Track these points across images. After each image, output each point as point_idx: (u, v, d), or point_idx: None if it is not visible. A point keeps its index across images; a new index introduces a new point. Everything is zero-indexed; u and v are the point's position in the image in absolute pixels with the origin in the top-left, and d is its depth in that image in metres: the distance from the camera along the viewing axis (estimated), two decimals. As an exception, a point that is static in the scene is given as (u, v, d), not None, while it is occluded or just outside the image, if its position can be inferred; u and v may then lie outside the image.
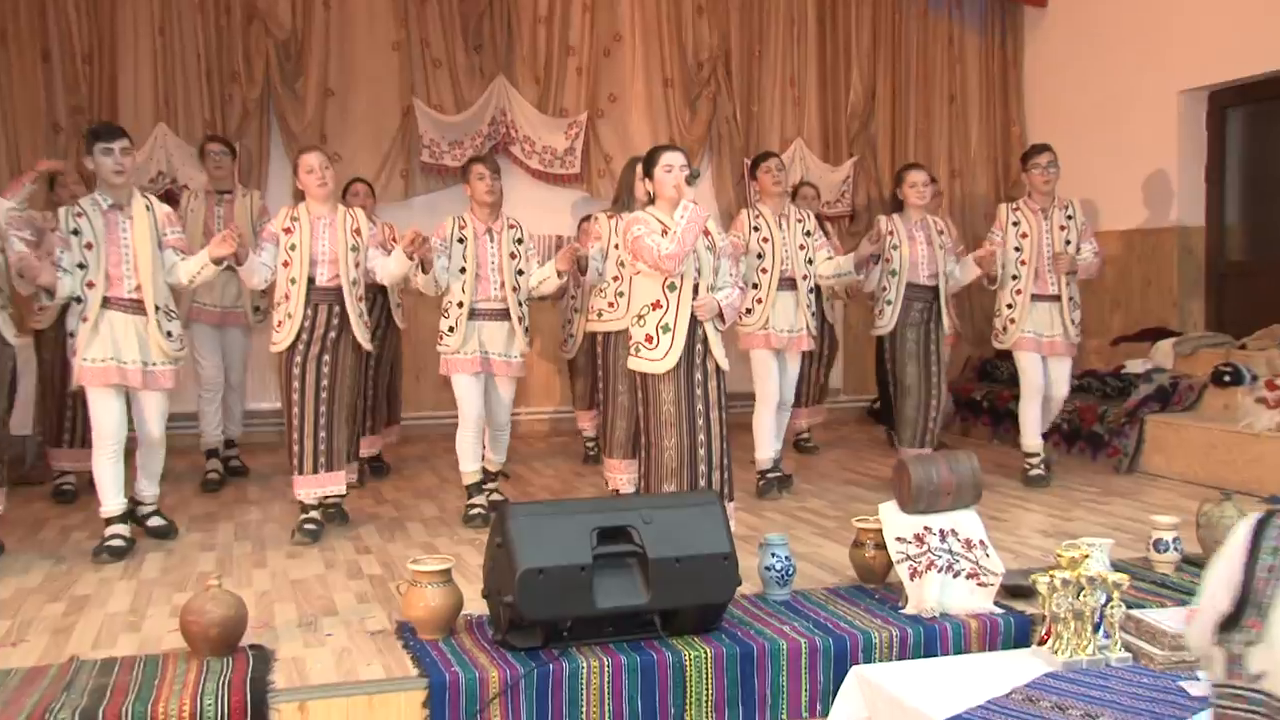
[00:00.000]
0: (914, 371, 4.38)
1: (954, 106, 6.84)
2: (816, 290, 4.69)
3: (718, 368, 3.32)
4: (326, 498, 3.85)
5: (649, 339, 3.27)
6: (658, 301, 3.26)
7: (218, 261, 3.59)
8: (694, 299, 3.27)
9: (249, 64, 5.82)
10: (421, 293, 3.91)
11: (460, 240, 3.88)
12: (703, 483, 3.25)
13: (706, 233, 3.31)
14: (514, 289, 3.90)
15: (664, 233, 3.22)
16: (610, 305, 4.18)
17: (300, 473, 3.70)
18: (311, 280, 3.71)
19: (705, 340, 3.32)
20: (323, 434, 3.69)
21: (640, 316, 3.30)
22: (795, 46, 6.64)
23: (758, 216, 4.34)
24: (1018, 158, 6.48)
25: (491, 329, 3.90)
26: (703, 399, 3.26)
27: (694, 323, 3.29)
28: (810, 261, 4.36)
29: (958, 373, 6.32)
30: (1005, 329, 4.47)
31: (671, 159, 3.31)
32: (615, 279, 4.13)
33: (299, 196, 3.86)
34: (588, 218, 4.97)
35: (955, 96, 6.83)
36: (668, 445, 3.22)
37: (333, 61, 5.98)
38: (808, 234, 4.38)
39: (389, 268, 3.77)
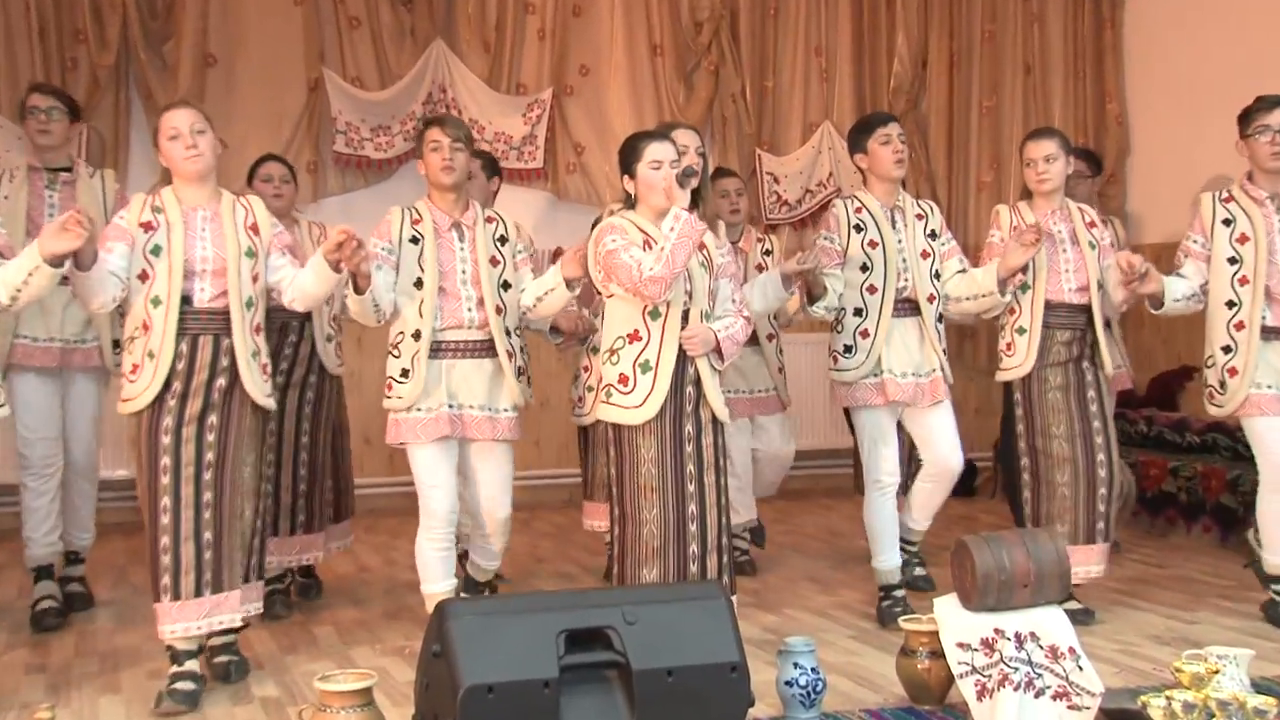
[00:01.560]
0: (1065, 432, 4.16)
1: (1030, 79, 6.94)
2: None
3: (714, 419, 3.38)
4: (212, 636, 3.46)
5: (623, 380, 3.34)
6: (636, 332, 3.34)
7: (55, 263, 3.16)
8: (682, 329, 3.34)
9: (99, 21, 5.79)
10: (360, 321, 3.70)
11: (413, 240, 3.65)
12: (694, 568, 3.29)
13: (702, 246, 3.39)
14: (498, 309, 3.69)
15: (646, 245, 3.31)
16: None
17: (172, 597, 3.31)
18: (186, 300, 3.38)
19: (698, 383, 3.37)
20: (207, 536, 3.34)
21: (613, 351, 3.38)
22: (823, 3, 6.77)
23: (859, 210, 4.15)
24: (1115, 142, 6.86)
25: (466, 370, 3.66)
26: (694, 458, 3.31)
27: (683, 360, 3.35)
28: (937, 276, 4.18)
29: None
30: (1223, 384, 4.06)
31: (659, 151, 3.38)
32: None
33: (167, 182, 3.54)
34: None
35: (1032, 66, 6.94)
36: (648, 518, 3.28)
37: (213, 19, 6.03)
38: (932, 235, 4.21)
39: (304, 285, 3.49)
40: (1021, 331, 4.19)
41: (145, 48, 5.90)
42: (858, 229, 4.12)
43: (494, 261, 3.73)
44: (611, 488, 3.38)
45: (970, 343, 6.87)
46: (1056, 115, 6.86)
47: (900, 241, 4.12)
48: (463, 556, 3.97)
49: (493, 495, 3.74)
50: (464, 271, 3.68)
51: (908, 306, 4.14)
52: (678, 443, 3.30)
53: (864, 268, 4.11)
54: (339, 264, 3.40)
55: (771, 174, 6.78)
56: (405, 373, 3.62)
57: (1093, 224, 4.27)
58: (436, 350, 3.65)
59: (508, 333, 3.71)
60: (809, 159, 6.85)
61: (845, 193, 5.58)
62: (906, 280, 4.11)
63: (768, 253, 4.95)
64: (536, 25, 6.44)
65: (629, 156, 3.40)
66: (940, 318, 4.17)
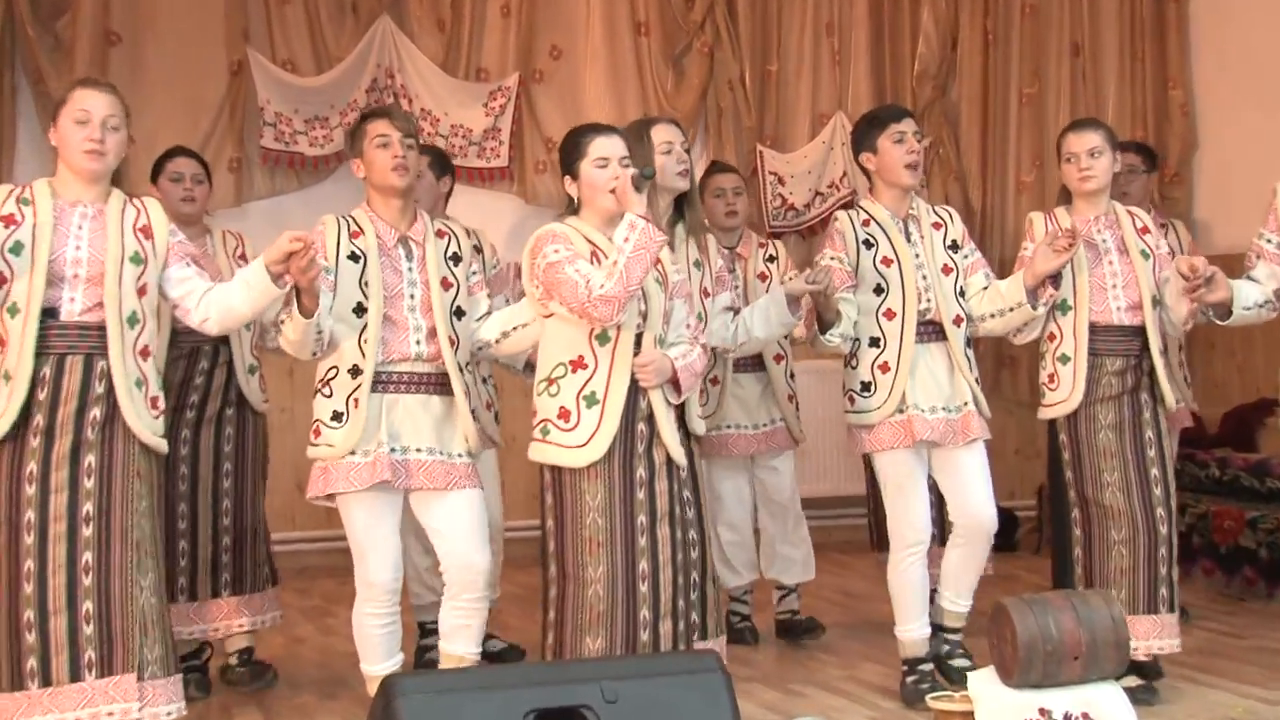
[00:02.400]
0: (1119, 480, 4.20)
1: (1079, 62, 6.98)
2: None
3: (670, 460, 3.41)
4: None
5: (564, 414, 3.36)
6: (580, 359, 3.37)
7: None
8: (635, 355, 3.39)
9: (-27, -9, 5.84)
10: (289, 353, 3.65)
11: (353, 258, 3.65)
12: (644, 635, 3.32)
13: (657, 261, 3.44)
14: (451, 341, 3.70)
15: (593, 258, 3.36)
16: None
17: (41, 683, 3.12)
18: (51, 313, 3.27)
19: (651, 419, 3.40)
20: (87, 607, 3.20)
21: (551, 381, 3.40)
22: (836, -26, 6.88)
23: (866, 222, 4.20)
24: (1179, 136, 6.90)
25: (411, 408, 3.65)
26: (646, 507, 3.33)
27: (634, 392, 3.38)
28: (962, 293, 4.23)
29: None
30: None
31: (606, 147, 3.43)
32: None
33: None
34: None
35: (1081, 46, 6.97)
36: (592, 577, 3.30)
37: (118, -10, 6.03)
38: (953, 246, 4.26)
39: (227, 302, 3.45)
40: (1065, 360, 4.21)
41: (34, 23, 5.89)
42: (867, 245, 4.15)
43: (446, 284, 3.74)
44: (548, 542, 3.39)
45: (1008, 371, 6.91)
46: (1110, 104, 6.92)
47: (918, 256, 4.16)
48: (428, 635, 3.98)
49: (460, 541, 3.62)
50: (412, 296, 3.68)
51: (932, 331, 4.16)
52: (628, 488, 3.33)
53: (879, 290, 4.14)
54: (283, 278, 3.36)
55: (775, 174, 6.81)
56: (338, 416, 3.59)
57: (1145, 230, 4.30)
58: (377, 385, 3.63)
59: (460, 368, 3.71)
60: (819, 156, 6.85)
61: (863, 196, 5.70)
62: (929, 301, 4.14)
63: (771, 259, 4.97)
64: (500, 0, 6.51)
65: (571, 153, 3.44)
66: (970, 342, 4.20)
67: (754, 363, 4.85)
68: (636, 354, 3.39)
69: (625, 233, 3.26)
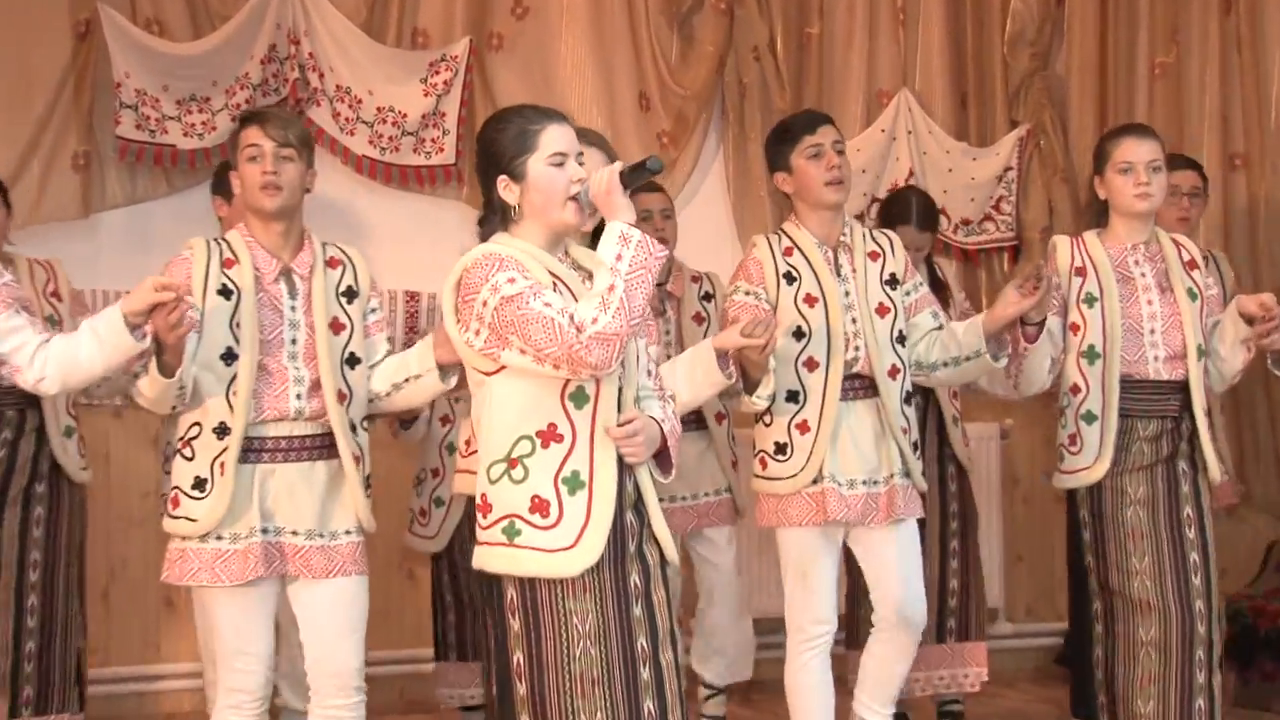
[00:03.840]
0: (1150, 568, 4.47)
1: (1231, 21, 6.90)
2: (927, 397, 5.02)
3: (663, 560, 3.48)
4: None
5: (540, 507, 3.37)
6: (553, 428, 3.39)
7: None
8: (617, 420, 3.42)
9: None
10: (144, 407, 3.93)
11: (225, 293, 3.91)
12: None
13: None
14: (341, 396, 3.96)
15: (554, 289, 3.43)
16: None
17: None
18: None
19: (640, 506, 3.46)
20: None
21: (513, 462, 3.41)
22: (899, -98, 6.88)
23: (789, 251, 4.53)
24: None
25: (290, 480, 3.92)
26: (646, 625, 3.37)
27: (622, 469, 3.42)
28: (902, 340, 4.51)
29: (1251, 574, 6.45)
30: None
31: (561, 139, 3.46)
32: None
33: None
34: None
35: (1233, 3, 6.92)
36: None
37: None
38: (892, 281, 4.56)
39: (74, 357, 3.72)
40: (1090, 419, 4.51)
41: None
42: (789, 278, 4.49)
43: (337, 327, 4.01)
44: (516, 682, 3.36)
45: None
46: (1277, 78, 6.82)
47: (848, 295, 4.50)
48: None
49: (331, 639, 3.92)
50: (294, 341, 3.96)
51: (860, 385, 4.48)
52: (623, 604, 3.36)
53: (799, 334, 4.45)
54: (142, 329, 3.60)
55: None
56: (201, 483, 3.84)
57: (1193, 264, 4.59)
58: (249, 452, 3.88)
59: (353, 428, 3.98)
60: (877, 149, 6.84)
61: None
62: (858, 349, 4.46)
63: (708, 297, 5.32)
64: (444, -59, 6.49)
65: (512, 145, 3.44)
66: (909, 397, 4.49)
67: (692, 420, 5.09)
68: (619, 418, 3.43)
69: (616, 247, 3.28)
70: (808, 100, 6.76)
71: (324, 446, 3.95)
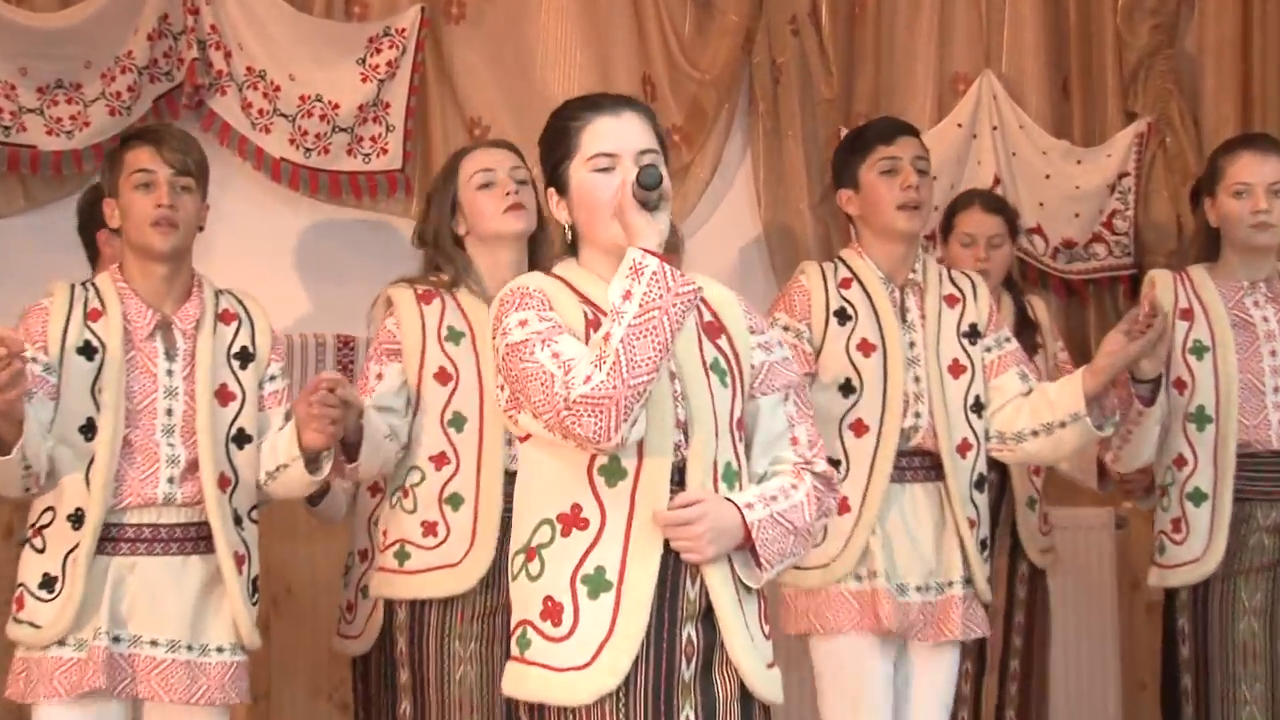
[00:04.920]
0: (1260, 695, 4.56)
1: None
2: (1002, 476, 5.21)
3: (743, 695, 3.41)
4: None
5: (553, 612, 3.36)
6: (575, 511, 3.38)
7: None
8: (670, 503, 3.38)
9: None
10: None
11: (86, 352, 4.05)
12: None
13: (718, 330, 3.54)
14: (225, 481, 4.14)
15: (590, 330, 3.44)
16: (430, 532, 4.50)
17: None
18: None
19: (709, 619, 3.40)
20: None
21: (530, 552, 3.43)
22: None
23: (846, 282, 4.64)
24: None
25: (153, 577, 4.08)
26: None
27: (676, 569, 3.37)
28: (979, 407, 4.59)
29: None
30: None
31: (610, 133, 3.49)
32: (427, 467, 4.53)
33: None
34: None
35: None
36: None
37: None
38: (972, 333, 4.65)
39: None
40: (1198, 499, 4.63)
41: None
42: (841, 318, 4.59)
43: (225, 396, 4.20)
44: None
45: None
46: None
47: (913, 346, 4.59)
48: None
49: None
50: (169, 412, 4.13)
51: (920, 464, 4.56)
52: None
53: (847, 389, 4.55)
54: None
55: None
56: (50, 582, 4.02)
57: None
58: (105, 541, 4.04)
59: (238, 519, 4.17)
60: (952, 149, 6.81)
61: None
62: (919, 415, 4.55)
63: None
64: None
65: (553, 148, 3.51)
66: (980, 482, 4.58)
67: None
68: (672, 498, 3.37)
69: (623, 284, 3.27)
70: (861, 87, 6.82)
71: (200, 539, 4.11)
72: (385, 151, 6.40)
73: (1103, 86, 6.92)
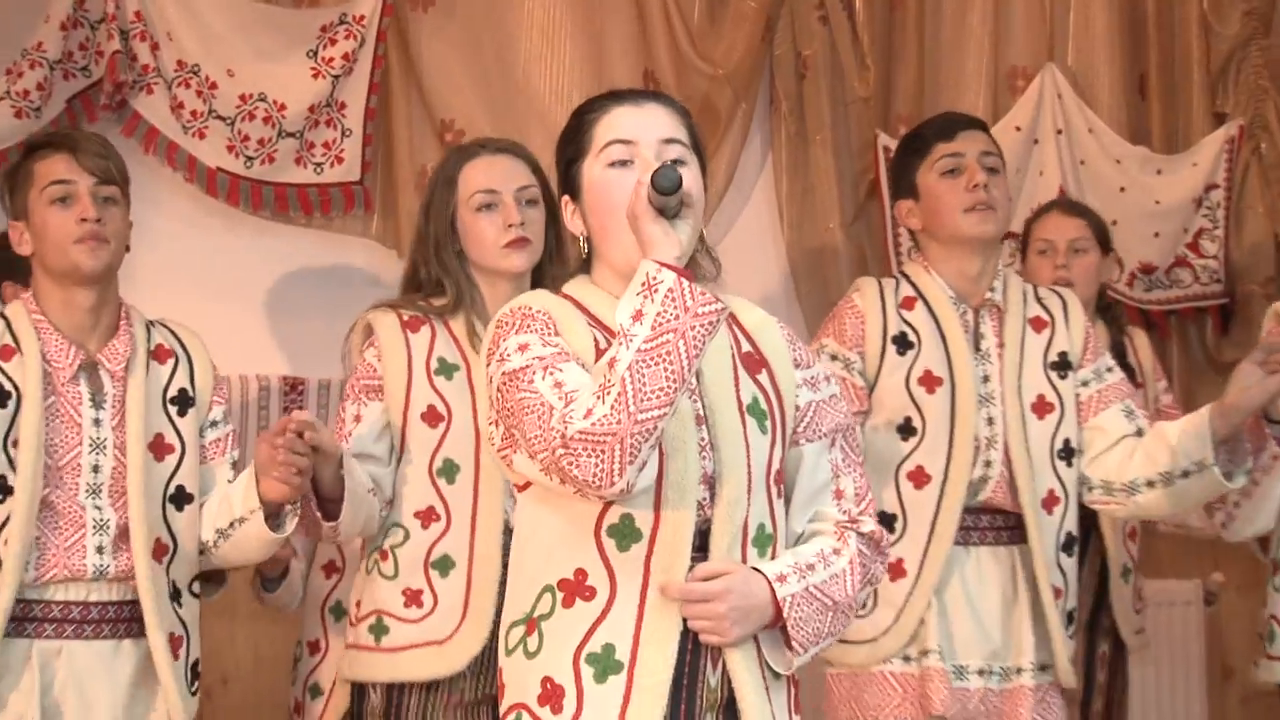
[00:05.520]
0: None
1: None
2: (1086, 535, 5.03)
3: None
4: None
5: (553, 695, 3.35)
6: (580, 578, 3.37)
7: None
8: (689, 574, 3.36)
9: None
10: None
11: None
12: None
13: (760, 363, 3.51)
14: (160, 549, 4.11)
15: (601, 357, 3.40)
16: (413, 602, 4.45)
17: None
18: None
19: (729, 708, 3.38)
20: None
21: (530, 624, 3.43)
22: None
23: (909, 302, 4.62)
24: None
25: (83, 664, 4.08)
26: None
27: (696, 650, 3.36)
28: (1068, 453, 4.53)
29: None
30: None
31: (629, 122, 3.50)
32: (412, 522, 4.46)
33: None
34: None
35: None
36: None
37: None
38: (1060, 363, 4.59)
39: None
40: None
41: None
42: (901, 345, 4.56)
43: (162, 449, 4.15)
44: None
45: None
46: None
47: (987, 380, 4.57)
48: None
49: None
50: (96, 469, 4.09)
51: (993, 524, 4.54)
52: None
53: (906, 430, 4.53)
54: None
55: None
56: None
57: None
58: (24, 622, 4.02)
59: (175, 594, 4.13)
60: (1010, 154, 6.30)
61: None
62: (991, 464, 4.52)
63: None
64: None
65: (569, 145, 3.53)
66: (1069, 543, 4.55)
67: None
68: (693, 567, 3.34)
69: (634, 302, 3.22)
70: (901, 84, 6.82)
71: (135, 619, 4.07)
72: (340, 160, 6.35)
73: (1187, 83, 6.89)
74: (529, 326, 3.37)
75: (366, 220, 6.41)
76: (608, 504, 3.30)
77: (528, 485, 3.41)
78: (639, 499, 3.28)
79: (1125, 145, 6.74)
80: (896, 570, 4.44)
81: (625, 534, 3.32)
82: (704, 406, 3.36)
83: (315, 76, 6.30)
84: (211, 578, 4.72)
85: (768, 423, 3.42)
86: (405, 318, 4.53)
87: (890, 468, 4.50)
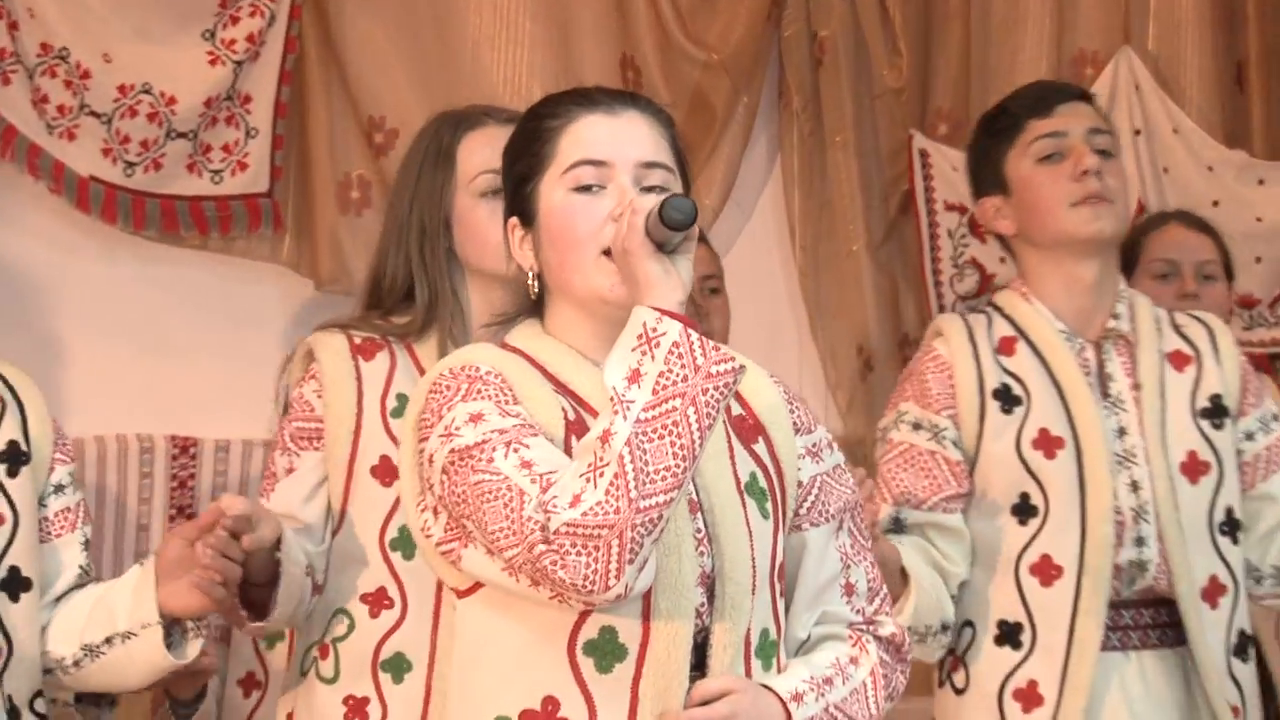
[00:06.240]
0: None
1: None
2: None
3: None
4: None
5: None
6: (552, 708, 3.30)
7: None
8: (688, 696, 3.27)
9: None
10: None
11: None
12: None
13: (757, 430, 3.47)
14: None
15: (570, 433, 3.35)
16: (358, 713, 4.30)
17: None
18: None
19: None
20: None
21: None
22: None
23: (1009, 345, 4.47)
24: None
25: None
26: None
27: None
28: (1232, 525, 4.41)
29: None
30: None
31: (601, 136, 3.46)
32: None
33: None
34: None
35: None
36: None
37: None
38: (1214, 409, 4.49)
39: None
40: None
41: None
42: (1004, 401, 4.43)
43: None
44: None
45: None
46: None
47: (1123, 434, 4.43)
48: None
49: None
50: None
51: (1155, 619, 4.40)
52: None
53: (1023, 510, 4.38)
54: None
55: (963, 206, 6.75)
56: None
57: None
58: None
59: (12, 713, 4.06)
60: None
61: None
62: (1145, 540, 4.37)
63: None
64: None
65: (518, 163, 3.48)
66: (1243, 645, 4.40)
67: None
68: (694, 684, 3.25)
69: (629, 360, 3.13)
70: (941, 72, 6.80)
71: None
72: (244, 167, 6.22)
73: (1293, 74, 6.56)
74: (480, 392, 3.24)
75: (276, 242, 6.22)
76: (584, 613, 3.18)
77: (474, 589, 3.27)
78: (623, 607, 3.15)
79: (1219, 149, 6.67)
80: (1030, 697, 4.31)
81: (606, 651, 3.19)
82: (697, 488, 3.23)
83: (213, 63, 6.13)
84: (94, 698, 4.74)
85: (769, 504, 3.32)
86: (357, 341, 4.35)
87: (1006, 562, 4.32)
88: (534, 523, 3.03)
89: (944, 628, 4.29)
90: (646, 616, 3.16)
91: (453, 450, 3.16)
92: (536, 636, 3.21)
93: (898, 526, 4.34)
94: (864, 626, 3.45)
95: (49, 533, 4.04)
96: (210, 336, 6.12)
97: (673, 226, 3.06)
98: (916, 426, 4.33)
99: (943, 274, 6.71)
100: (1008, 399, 4.32)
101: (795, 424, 3.43)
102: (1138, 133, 6.59)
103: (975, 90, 6.68)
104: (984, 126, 4.61)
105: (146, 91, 6.07)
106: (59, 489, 4.06)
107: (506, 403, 3.23)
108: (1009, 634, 4.27)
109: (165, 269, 6.15)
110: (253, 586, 3.98)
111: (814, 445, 3.45)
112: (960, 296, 6.77)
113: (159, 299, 6.18)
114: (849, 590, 3.46)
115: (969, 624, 4.30)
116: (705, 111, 6.53)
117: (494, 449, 3.13)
